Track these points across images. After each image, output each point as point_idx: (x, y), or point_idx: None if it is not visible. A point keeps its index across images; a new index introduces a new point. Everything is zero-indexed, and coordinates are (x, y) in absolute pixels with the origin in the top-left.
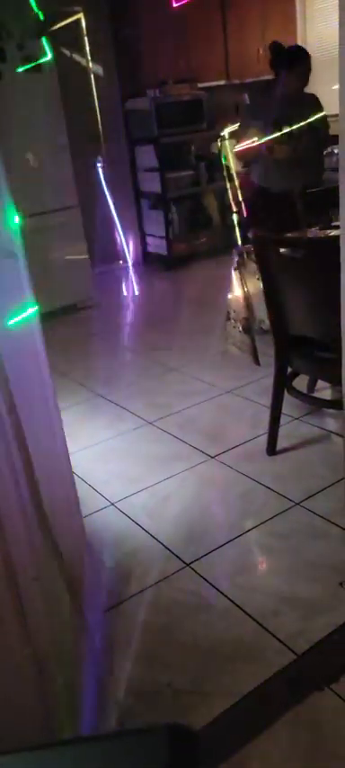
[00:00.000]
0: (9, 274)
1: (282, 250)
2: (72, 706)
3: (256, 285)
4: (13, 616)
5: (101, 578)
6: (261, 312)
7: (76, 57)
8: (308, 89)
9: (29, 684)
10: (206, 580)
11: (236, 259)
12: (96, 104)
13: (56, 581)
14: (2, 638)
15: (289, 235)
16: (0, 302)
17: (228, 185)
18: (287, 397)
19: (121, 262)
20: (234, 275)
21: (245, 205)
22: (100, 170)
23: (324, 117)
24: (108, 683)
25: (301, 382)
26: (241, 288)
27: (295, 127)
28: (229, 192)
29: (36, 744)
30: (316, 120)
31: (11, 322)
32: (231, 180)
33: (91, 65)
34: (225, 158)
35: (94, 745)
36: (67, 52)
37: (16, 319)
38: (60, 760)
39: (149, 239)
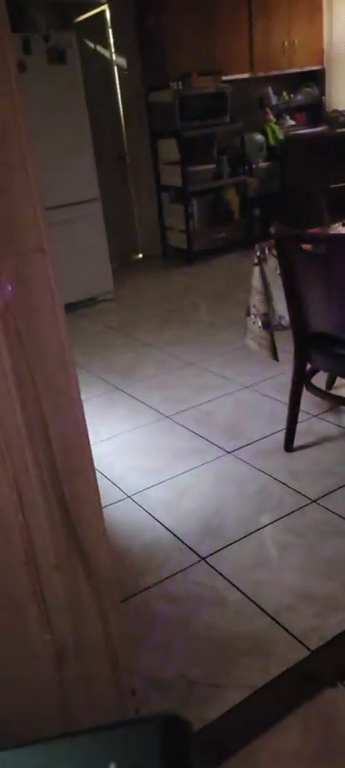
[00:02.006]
0: (38, 270)
1: (304, 246)
2: (89, 694)
3: (277, 281)
4: (33, 603)
5: (119, 569)
6: (281, 308)
7: (100, 49)
8: (331, 84)
9: (48, 671)
10: (221, 574)
11: (257, 254)
12: (119, 96)
13: (76, 570)
14: (22, 625)
15: (311, 231)
16: (29, 298)
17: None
18: (305, 393)
19: (141, 255)
20: (255, 270)
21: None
22: (121, 163)
23: None
24: (124, 673)
25: (320, 379)
26: (261, 283)
27: None
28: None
29: (22, 741)
30: None
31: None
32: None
33: (114, 57)
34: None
35: (85, 738)
36: (91, 44)
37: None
38: (54, 755)
39: (169, 233)
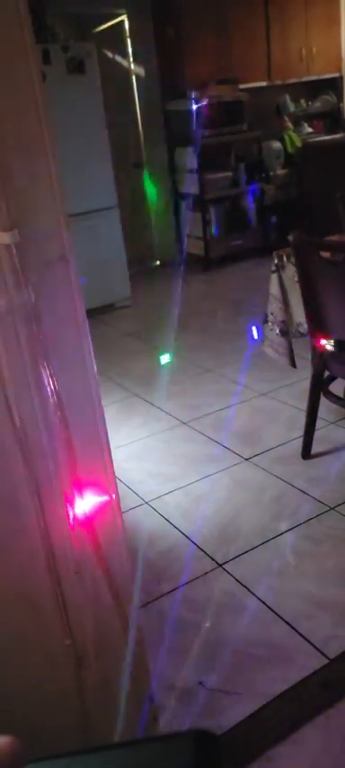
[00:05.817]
0: (60, 276)
1: (322, 254)
2: (107, 700)
3: (295, 288)
4: (54, 608)
5: (136, 575)
6: (299, 315)
7: (118, 58)
8: None
9: (67, 676)
10: (238, 581)
11: (275, 261)
12: (137, 105)
13: (96, 576)
14: (43, 630)
15: (329, 238)
16: (51, 303)
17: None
18: (323, 400)
19: (158, 262)
20: (273, 278)
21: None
22: (139, 170)
23: None
24: (142, 679)
25: (338, 386)
26: (279, 291)
27: None
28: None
29: (58, 753)
30: None
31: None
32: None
33: (133, 66)
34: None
35: (118, 753)
36: (110, 53)
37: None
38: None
39: (187, 240)
